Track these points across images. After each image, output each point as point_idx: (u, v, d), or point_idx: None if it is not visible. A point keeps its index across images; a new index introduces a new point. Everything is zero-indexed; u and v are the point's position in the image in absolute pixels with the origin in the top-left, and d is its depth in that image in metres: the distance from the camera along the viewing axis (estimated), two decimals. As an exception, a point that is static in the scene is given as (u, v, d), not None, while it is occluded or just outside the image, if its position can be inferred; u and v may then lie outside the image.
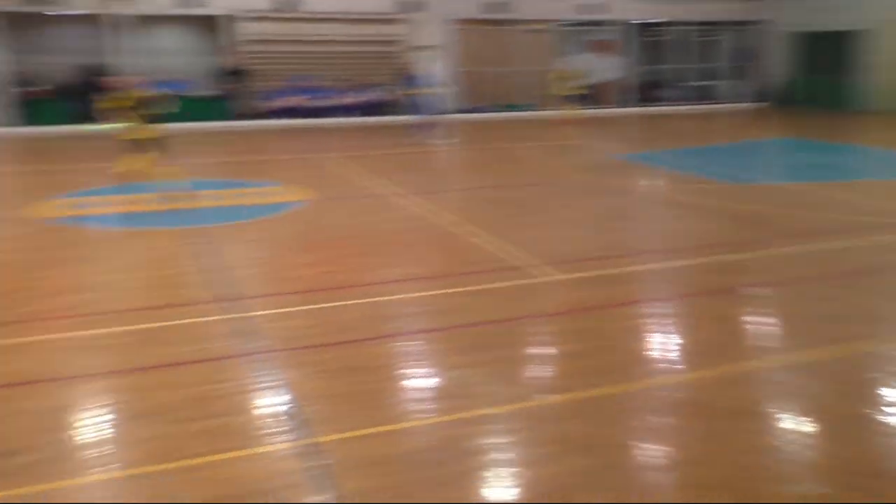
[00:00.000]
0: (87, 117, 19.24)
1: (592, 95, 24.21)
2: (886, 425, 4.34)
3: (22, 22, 19.68)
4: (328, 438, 4.25)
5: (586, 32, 26.25)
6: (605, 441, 4.17)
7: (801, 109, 24.98)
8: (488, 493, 3.83)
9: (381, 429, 4.38)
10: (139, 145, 10.15)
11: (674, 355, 5.51)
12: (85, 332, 5.83)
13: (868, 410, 4.52)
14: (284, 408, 4.64)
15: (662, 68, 27.20)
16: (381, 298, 6.68)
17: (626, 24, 26.18)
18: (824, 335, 5.68)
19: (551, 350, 5.68)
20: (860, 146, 17.88)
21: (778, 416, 4.55)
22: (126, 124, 10.18)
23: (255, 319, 6.07)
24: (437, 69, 20.97)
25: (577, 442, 4.16)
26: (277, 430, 4.37)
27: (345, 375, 5.07)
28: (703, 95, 27.32)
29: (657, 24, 26.48)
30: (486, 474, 3.98)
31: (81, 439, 4.38)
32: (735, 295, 6.71)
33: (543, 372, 5.30)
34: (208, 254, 8.05)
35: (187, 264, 7.68)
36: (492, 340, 5.66)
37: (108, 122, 10.50)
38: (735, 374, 5.00)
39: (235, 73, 21.40)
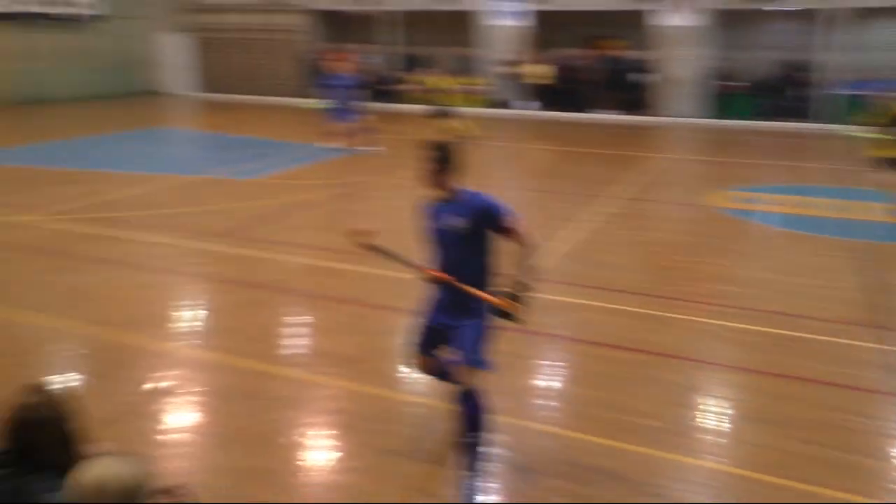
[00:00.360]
0: (782, 113, 19.52)
1: None
2: None
3: (734, 19, 20.94)
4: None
5: None
6: None
7: None
8: None
9: None
10: (889, 162, 9.66)
11: None
12: (723, 323, 6.05)
13: None
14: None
15: None
16: None
17: None
18: None
19: None
20: None
21: None
22: (879, 138, 9.86)
23: (912, 357, 5.36)
24: None
25: None
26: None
27: None
28: None
29: None
30: None
31: (700, 422, 4.60)
32: None
33: None
34: (873, 272, 7.39)
35: (845, 279, 7.20)
36: None
37: (864, 132, 10.38)
38: None
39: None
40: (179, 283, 6.99)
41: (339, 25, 24.24)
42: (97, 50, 23.26)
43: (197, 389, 4.91)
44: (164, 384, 4.92)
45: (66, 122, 18.10)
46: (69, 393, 2.51)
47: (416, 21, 22.84)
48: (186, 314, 6.31)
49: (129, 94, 23.19)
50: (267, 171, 12.17)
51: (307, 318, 6.28)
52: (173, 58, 25.26)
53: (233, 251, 7.84)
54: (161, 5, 24.97)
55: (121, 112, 20.03)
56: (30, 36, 21.42)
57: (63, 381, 4.94)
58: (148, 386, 4.88)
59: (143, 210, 9.53)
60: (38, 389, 2.37)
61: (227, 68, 24.74)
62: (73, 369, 5.19)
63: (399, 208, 10.01)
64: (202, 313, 6.32)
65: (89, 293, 6.51)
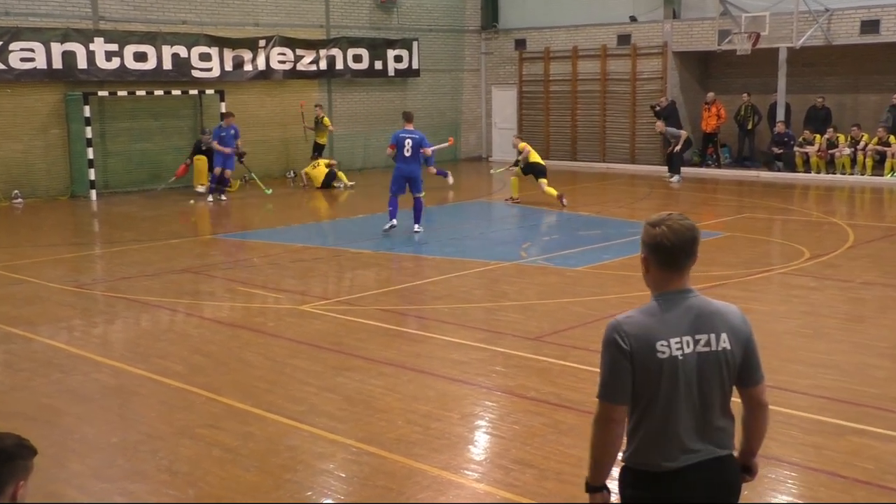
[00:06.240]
0: None
1: None
2: None
3: None
4: None
5: None
6: None
7: None
8: None
9: None
10: None
11: None
12: None
13: None
14: None
15: None
16: None
17: None
18: None
19: None
20: None
21: None
22: None
23: None
24: None
25: None
26: None
27: None
28: None
29: None
30: None
31: None
32: None
33: None
34: None
35: None
36: None
37: None
38: None
39: None
40: (471, 396, 7.14)
41: (700, 70, 24.07)
42: (416, 109, 25.51)
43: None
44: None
45: (356, 198, 19.88)
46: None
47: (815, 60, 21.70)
48: (476, 437, 6.39)
49: (453, 160, 24.78)
50: (598, 259, 12.22)
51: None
52: (500, 117, 27.00)
53: (542, 360, 7.85)
54: (493, 55, 26.91)
55: (432, 182, 21.15)
56: (346, 95, 24.28)
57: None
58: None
59: (443, 303, 10.05)
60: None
61: (559, 128, 25.69)
62: (332, 493, 5.47)
63: (753, 313, 9.33)
64: (493, 438, 6.35)
65: (365, 402, 6.92)
